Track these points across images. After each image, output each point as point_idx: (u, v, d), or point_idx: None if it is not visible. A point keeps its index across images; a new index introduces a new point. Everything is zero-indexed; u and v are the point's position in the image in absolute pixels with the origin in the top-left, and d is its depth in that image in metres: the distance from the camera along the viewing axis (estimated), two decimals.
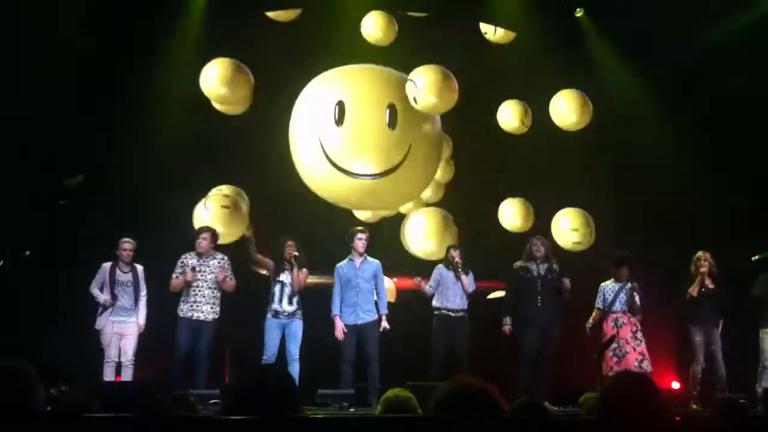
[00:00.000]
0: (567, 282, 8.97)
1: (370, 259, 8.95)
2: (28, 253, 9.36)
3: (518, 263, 9.11)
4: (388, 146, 9.86)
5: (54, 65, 9.05)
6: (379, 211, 10.58)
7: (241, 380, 2.93)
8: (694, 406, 8.78)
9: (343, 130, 9.71)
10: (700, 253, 9.09)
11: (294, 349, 8.71)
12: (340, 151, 9.75)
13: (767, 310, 8.96)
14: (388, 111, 9.81)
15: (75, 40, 9.40)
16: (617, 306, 8.93)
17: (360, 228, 9.05)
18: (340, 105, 9.78)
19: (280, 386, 2.85)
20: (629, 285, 8.93)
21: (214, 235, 8.77)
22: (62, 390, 5.10)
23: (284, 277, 8.80)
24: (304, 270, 8.83)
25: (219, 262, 8.75)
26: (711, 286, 9.03)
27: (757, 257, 9.43)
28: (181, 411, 4.23)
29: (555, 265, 9.05)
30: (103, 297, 8.63)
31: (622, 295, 8.95)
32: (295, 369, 8.57)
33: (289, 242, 8.84)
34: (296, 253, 8.79)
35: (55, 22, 9.08)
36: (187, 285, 8.62)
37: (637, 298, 8.88)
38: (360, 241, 8.86)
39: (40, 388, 3.12)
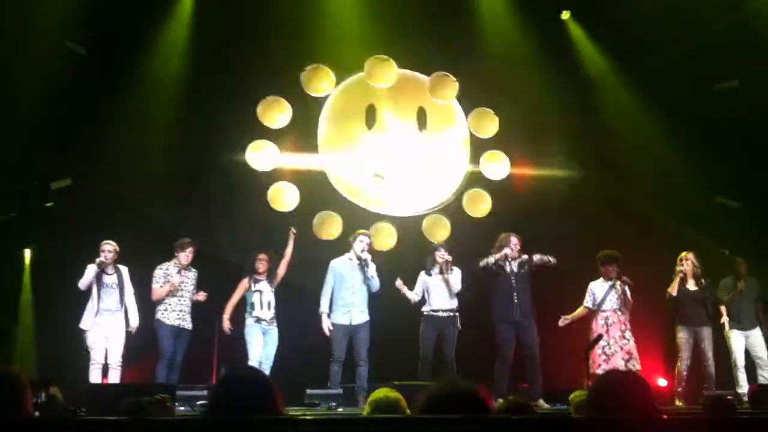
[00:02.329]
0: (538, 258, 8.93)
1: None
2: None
3: (491, 260, 8.98)
4: (418, 149, 10.06)
5: (43, 69, 9.05)
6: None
7: (219, 382, 2.93)
8: (679, 403, 8.84)
9: (374, 133, 9.89)
10: (684, 254, 9.16)
11: (271, 356, 8.91)
12: (371, 153, 9.95)
13: (732, 313, 9.19)
14: (417, 113, 10.03)
15: (65, 44, 9.42)
16: (608, 304, 8.92)
17: (364, 231, 9.05)
18: (371, 108, 9.98)
19: (254, 387, 2.85)
20: (619, 281, 8.94)
21: (195, 247, 8.96)
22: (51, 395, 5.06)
23: (260, 285, 8.96)
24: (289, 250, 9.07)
25: (194, 274, 9.00)
26: (694, 287, 9.10)
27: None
28: (162, 414, 4.22)
29: (524, 256, 9.00)
30: (91, 273, 8.55)
31: (612, 293, 8.95)
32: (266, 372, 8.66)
33: (260, 255, 9.02)
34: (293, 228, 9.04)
35: (46, 27, 9.09)
36: (171, 294, 8.75)
37: (628, 293, 8.90)
38: (361, 243, 8.85)
39: (28, 394, 3.10)
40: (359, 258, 8.83)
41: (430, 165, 10.48)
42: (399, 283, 9.07)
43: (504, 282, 8.93)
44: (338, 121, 10.40)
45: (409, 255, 9.85)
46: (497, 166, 10.49)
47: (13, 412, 2.94)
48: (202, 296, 8.92)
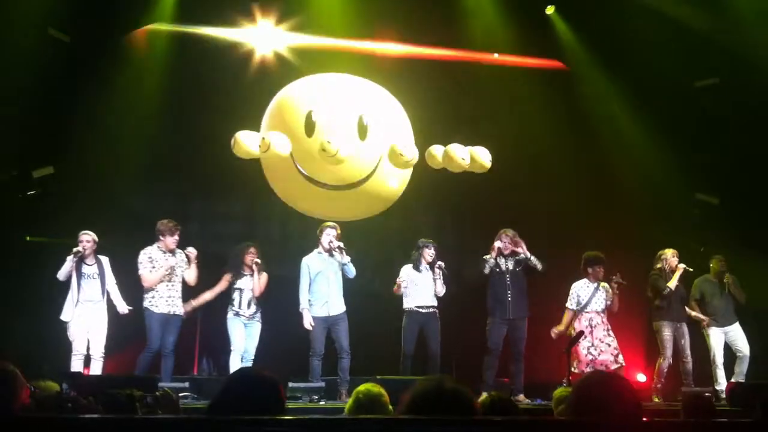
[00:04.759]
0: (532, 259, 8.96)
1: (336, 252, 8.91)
2: (28, 238, 9.33)
3: (492, 262, 8.97)
4: (358, 157, 9.79)
5: (25, 56, 8.97)
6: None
7: (230, 381, 2.94)
8: (656, 399, 8.93)
9: (314, 141, 9.61)
10: (669, 251, 9.22)
11: (251, 350, 8.83)
12: (310, 161, 9.66)
13: (709, 311, 9.31)
14: (357, 122, 9.78)
15: (48, 32, 9.33)
16: (592, 306, 8.93)
17: (330, 224, 8.97)
18: (309, 115, 9.72)
19: (269, 388, 2.87)
20: (609, 282, 8.95)
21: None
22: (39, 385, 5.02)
23: (241, 283, 8.86)
24: (264, 274, 8.90)
25: (181, 256, 8.76)
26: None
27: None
28: (168, 410, 4.23)
29: (521, 255, 8.98)
30: (69, 263, 8.44)
31: (598, 294, 8.97)
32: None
33: (252, 249, 8.90)
34: (258, 260, 8.84)
35: (28, 14, 9.00)
36: (160, 281, 8.59)
37: (617, 295, 8.93)
38: (328, 236, 8.83)
39: (21, 388, 3.11)
40: (331, 249, 8.79)
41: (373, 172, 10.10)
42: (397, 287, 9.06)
43: (499, 279, 8.94)
44: (276, 129, 10.00)
45: (393, 256, 9.79)
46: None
47: (7, 406, 2.95)
48: (192, 276, 8.72)
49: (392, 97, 10.31)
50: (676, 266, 9.18)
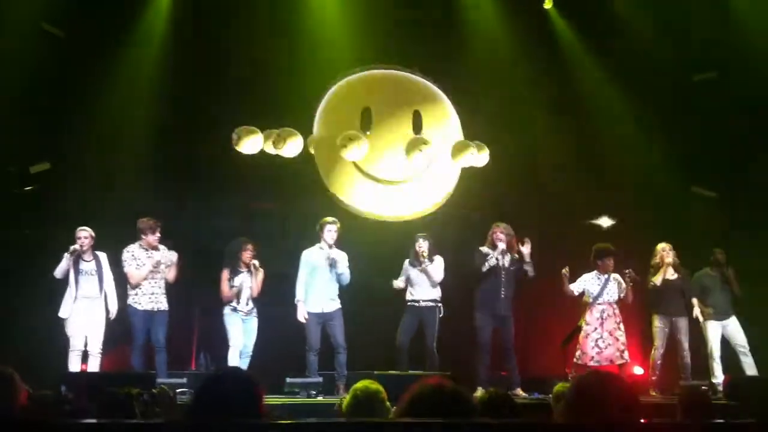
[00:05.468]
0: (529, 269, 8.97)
1: (336, 249, 8.89)
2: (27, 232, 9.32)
3: (493, 262, 8.94)
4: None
5: (19, 51, 8.94)
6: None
7: (203, 382, 2.94)
8: (653, 393, 8.92)
9: (369, 137, 9.84)
10: (662, 245, 9.19)
11: (250, 346, 8.81)
12: (366, 156, 9.85)
13: (708, 304, 9.22)
14: (413, 117, 9.98)
15: (41, 26, 9.29)
16: (604, 297, 8.88)
17: (330, 220, 8.94)
18: (367, 111, 9.90)
19: (240, 391, 2.86)
20: (621, 275, 8.90)
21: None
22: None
23: (238, 281, 8.77)
24: (262, 272, 8.84)
25: (163, 253, 8.74)
26: (673, 276, 9.15)
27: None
28: (165, 407, 4.23)
29: (516, 255, 8.99)
30: (65, 261, 8.45)
31: (610, 285, 8.91)
32: (245, 364, 8.63)
33: (249, 246, 8.83)
34: (256, 261, 8.79)
35: (20, 8, 8.97)
36: (145, 277, 8.60)
37: (630, 288, 8.89)
38: (329, 233, 8.81)
39: (19, 390, 3.11)
40: (329, 257, 8.78)
41: (427, 168, 10.25)
42: (395, 284, 9.14)
43: (494, 275, 8.90)
44: (331, 123, 10.18)
45: (392, 250, 9.78)
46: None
47: (6, 409, 2.96)
48: (172, 274, 8.70)
49: (441, 93, 10.52)
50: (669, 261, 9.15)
